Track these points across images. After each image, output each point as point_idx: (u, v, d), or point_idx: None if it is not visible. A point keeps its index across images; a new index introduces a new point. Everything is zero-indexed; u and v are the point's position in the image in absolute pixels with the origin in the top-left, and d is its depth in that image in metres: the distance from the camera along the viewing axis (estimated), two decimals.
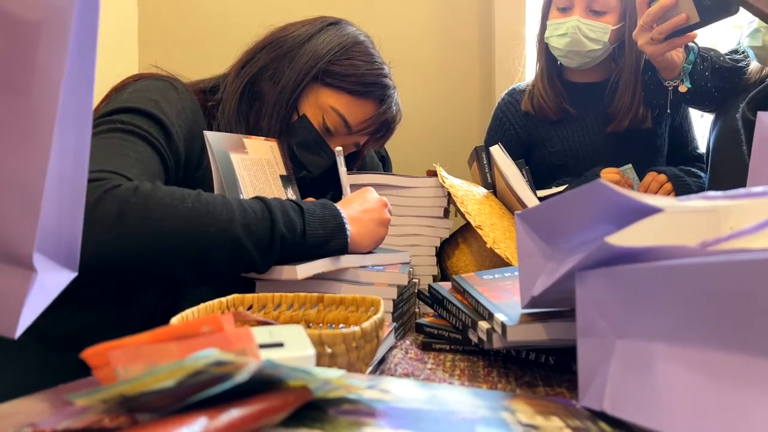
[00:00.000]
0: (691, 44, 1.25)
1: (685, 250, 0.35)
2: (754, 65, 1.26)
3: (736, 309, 0.28)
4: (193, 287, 0.82)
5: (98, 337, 0.81)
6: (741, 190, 0.37)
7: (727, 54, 1.30)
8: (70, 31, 0.28)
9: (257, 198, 0.74)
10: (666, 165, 1.44)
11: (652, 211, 0.37)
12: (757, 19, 1.14)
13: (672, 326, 0.33)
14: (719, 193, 0.38)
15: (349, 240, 0.77)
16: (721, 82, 1.26)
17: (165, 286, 0.82)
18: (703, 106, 1.37)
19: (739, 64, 1.26)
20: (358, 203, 0.84)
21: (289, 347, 0.36)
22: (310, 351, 0.35)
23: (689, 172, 1.36)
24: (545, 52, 1.43)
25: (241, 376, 0.27)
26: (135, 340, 0.30)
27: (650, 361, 0.34)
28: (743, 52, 1.24)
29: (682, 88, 1.26)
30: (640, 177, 1.34)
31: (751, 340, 0.28)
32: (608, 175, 1.30)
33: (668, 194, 1.29)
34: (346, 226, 0.77)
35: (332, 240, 0.75)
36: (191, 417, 0.25)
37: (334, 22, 1.04)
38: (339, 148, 0.94)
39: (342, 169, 0.94)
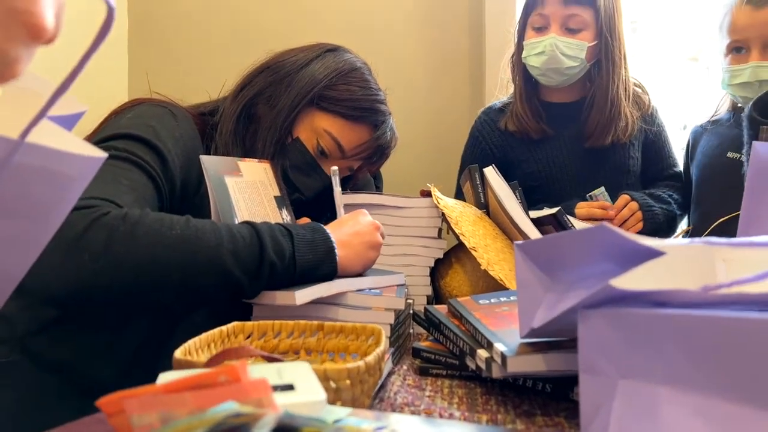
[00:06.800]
0: None
1: (688, 294, 0.36)
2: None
3: (736, 361, 0.29)
4: (182, 313, 0.82)
5: (92, 361, 0.81)
6: (744, 239, 0.38)
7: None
8: (88, 181, 0.37)
9: (246, 223, 0.74)
10: (639, 183, 1.45)
11: (654, 254, 0.38)
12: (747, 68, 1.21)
13: (675, 371, 0.34)
14: (723, 240, 0.39)
15: (338, 265, 0.78)
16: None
17: (159, 312, 0.82)
18: None
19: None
20: (349, 226, 0.84)
21: (300, 390, 0.36)
22: (322, 395, 0.36)
23: (659, 198, 1.37)
24: (522, 73, 1.44)
25: (261, 430, 0.27)
26: (150, 389, 0.31)
27: (654, 404, 0.35)
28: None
29: None
30: (613, 198, 1.34)
31: (751, 392, 0.29)
32: (582, 211, 1.30)
33: (638, 222, 1.31)
34: (336, 250, 0.77)
35: (321, 265, 0.76)
36: None
37: (333, 49, 1.05)
38: (335, 168, 0.95)
39: (337, 189, 0.95)
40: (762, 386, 0.28)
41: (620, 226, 1.30)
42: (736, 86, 1.24)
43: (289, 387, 0.36)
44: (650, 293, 0.37)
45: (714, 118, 1.39)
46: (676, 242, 0.40)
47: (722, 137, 1.32)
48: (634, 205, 1.31)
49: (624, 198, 1.32)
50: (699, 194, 1.35)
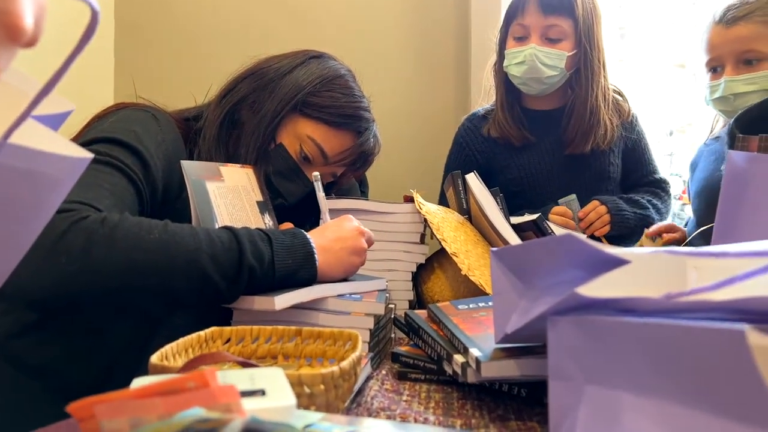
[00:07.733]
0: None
1: (651, 302, 0.37)
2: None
3: (693, 369, 0.30)
4: (159, 316, 0.82)
5: (73, 364, 0.81)
6: (704, 249, 0.39)
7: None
8: (73, 182, 0.37)
9: (226, 228, 0.74)
10: (619, 190, 1.48)
11: (620, 262, 0.39)
12: (721, 83, 1.24)
13: (637, 378, 0.35)
14: (685, 249, 0.40)
15: (317, 270, 0.78)
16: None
17: (139, 315, 0.82)
18: None
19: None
20: (331, 231, 0.84)
21: (270, 395, 0.36)
22: (292, 400, 0.36)
23: (636, 203, 1.40)
24: (504, 81, 1.46)
25: None
26: (120, 394, 0.31)
27: (617, 410, 0.36)
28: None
29: None
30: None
31: (708, 400, 0.30)
32: (556, 218, 1.33)
33: (605, 225, 1.34)
34: (315, 255, 0.78)
35: (300, 270, 0.76)
36: None
37: (317, 56, 1.05)
38: (317, 174, 0.95)
39: (320, 194, 0.95)
40: (718, 394, 0.29)
41: (587, 228, 1.34)
42: (715, 101, 1.28)
43: (261, 392, 0.37)
44: (615, 300, 0.38)
45: (715, 135, 1.42)
46: (642, 251, 0.41)
47: (718, 152, 1.36)
48: (601, 208, 1.35)
49: (593, 203, 1.36)
50: (695, 206, 1.38)
